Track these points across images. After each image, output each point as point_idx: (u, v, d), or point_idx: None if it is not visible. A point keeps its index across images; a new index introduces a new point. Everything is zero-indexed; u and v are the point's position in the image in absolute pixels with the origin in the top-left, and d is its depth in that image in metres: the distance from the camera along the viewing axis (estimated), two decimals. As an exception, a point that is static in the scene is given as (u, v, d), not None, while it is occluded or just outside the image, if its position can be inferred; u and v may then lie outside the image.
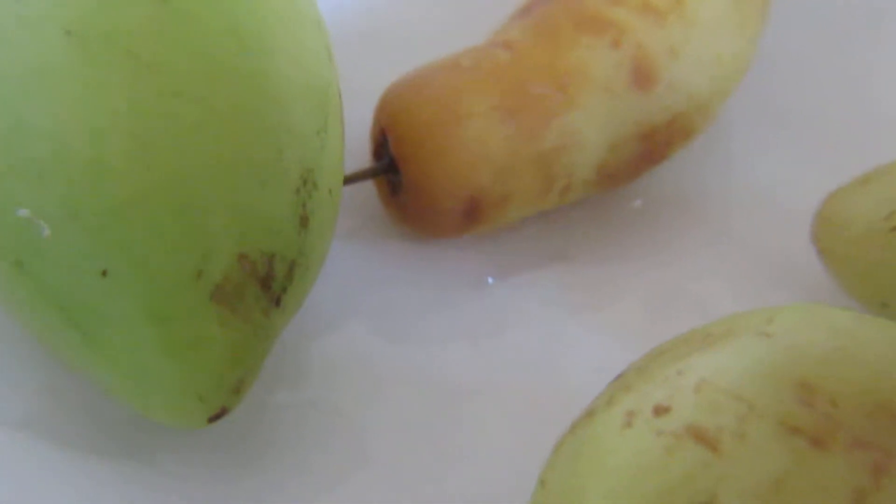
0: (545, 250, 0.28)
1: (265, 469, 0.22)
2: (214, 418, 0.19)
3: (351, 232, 0.28)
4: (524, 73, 0.26)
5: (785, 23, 0.32)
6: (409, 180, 0.26)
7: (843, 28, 0.33)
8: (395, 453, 0.23)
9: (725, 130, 0.30)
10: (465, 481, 0.23)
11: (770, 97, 0.31)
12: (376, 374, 0.25)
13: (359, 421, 0.24)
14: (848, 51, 0.32)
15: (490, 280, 0.28)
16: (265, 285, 0.19)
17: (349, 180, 0.26)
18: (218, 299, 0.18)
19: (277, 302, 0.20)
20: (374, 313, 0.27)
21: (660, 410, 0.17)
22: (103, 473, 0.22)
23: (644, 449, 0.17)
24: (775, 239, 0.28)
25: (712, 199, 0.29)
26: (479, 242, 0.28)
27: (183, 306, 0.18)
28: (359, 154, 0.28)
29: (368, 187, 0.29)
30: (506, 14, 0.29)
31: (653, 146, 0.27)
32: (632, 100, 0.26)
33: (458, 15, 0.32)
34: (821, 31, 0.33)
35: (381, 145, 0.27)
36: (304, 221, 0.20)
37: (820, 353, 0.17)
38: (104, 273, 0.18)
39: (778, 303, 0.22)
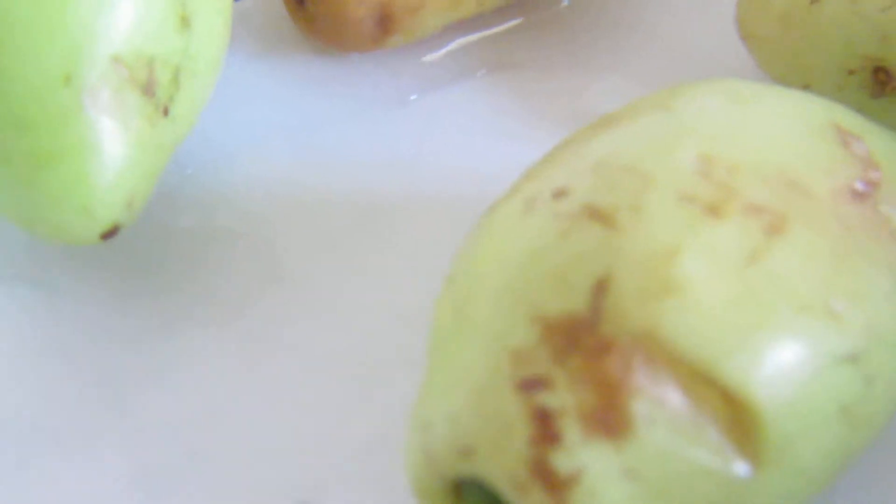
0: (470, 63, 0.27)
1: (176, 292, 0.22)
2: (108, 235, 0.19)
3: (264, 50, 0.27)
4: None
5: None
6: (313, -12, 0.24)
7: None
8: (312, 273, 0.23)
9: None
10: (386, 293, 0.23)
11: None
12: (294, 192, 0.24)
13: (275, 241, 0.23)
14: None
15: (413, 97, 0.27)
16: (148, 92, 0.18)
17: (248, -9, 0.25)
18: (94, 106, 0.17)
19: (165, 111, 0.19)
20: (291, 132, 0.26)
21: (558, 193, 0.17)
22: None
23: (542, 232, 0.16)
24: (706, 34, 0.27)
25: (640, -5, 0.28)
26: (400, 57, 0.27)
27: (53, 113, 0.17)
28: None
29: (278, 3, 0.27)
30: None
31: (573, -61, 0.26)
32: None
33: None
34: None
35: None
36: (184, 22, 0.19)
37: (721, 123, 0.17)
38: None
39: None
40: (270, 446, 0.21)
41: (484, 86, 0.27)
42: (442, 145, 0.26)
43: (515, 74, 0.27)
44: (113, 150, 0.18)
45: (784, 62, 0.23)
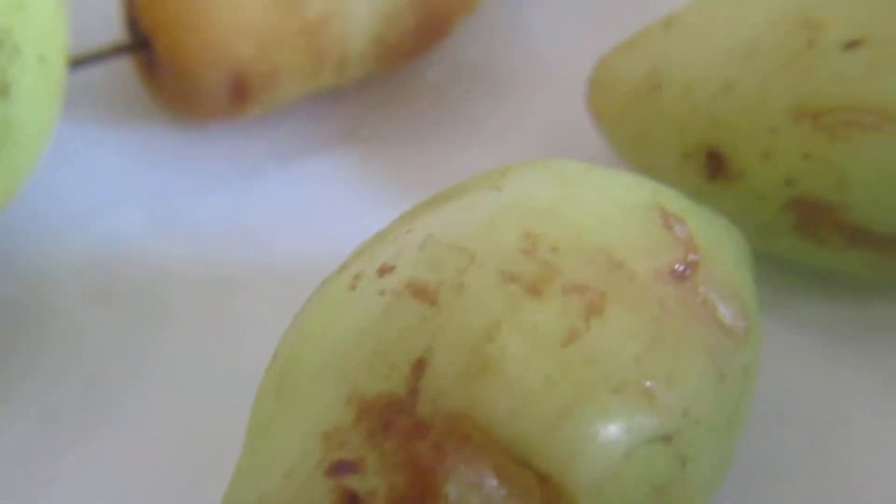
0: (329, 134, 0.27)
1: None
2: None
3: (115, 120, 0.26)
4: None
5: None
6: (163, 57, 0.24)
7: None
8: (154, 345, 0.22)
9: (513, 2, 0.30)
10: (231, 369, 0.22)
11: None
12: (140, 263, 0.24)
13: (113, 313, 0.23)
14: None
15: (269, 167, 0.26)
16: (-40, 158, 0.17)
17: (91, 59, 0.24)
18: None
19: (-20, 179, 0.18)
20: (141, 203, 0.25)
21: (384, 270, 0.16)
22: None
23: (365, 310, 0.16)
24: (569, 115, 0.28)
25: (501, 71, 0.29)
26: (257, 126, 0.27)
27: None
28: (114, 31, 0.26)
29: (130, 71, 0.27)
30: None
31: (431, 19, 0.26)
32: (402, -33, 0.25)
33: None
34: None
35: (134, 19, 0.25)
36: (2, 90, 0.18)
37: (545, 201, 0.17)
38: None
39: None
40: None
41: (342, 157, 0.27)
42: (297, 216, 0.25)
43: (375, 147, 0.27)
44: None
45: (629, 144, 0.23)
